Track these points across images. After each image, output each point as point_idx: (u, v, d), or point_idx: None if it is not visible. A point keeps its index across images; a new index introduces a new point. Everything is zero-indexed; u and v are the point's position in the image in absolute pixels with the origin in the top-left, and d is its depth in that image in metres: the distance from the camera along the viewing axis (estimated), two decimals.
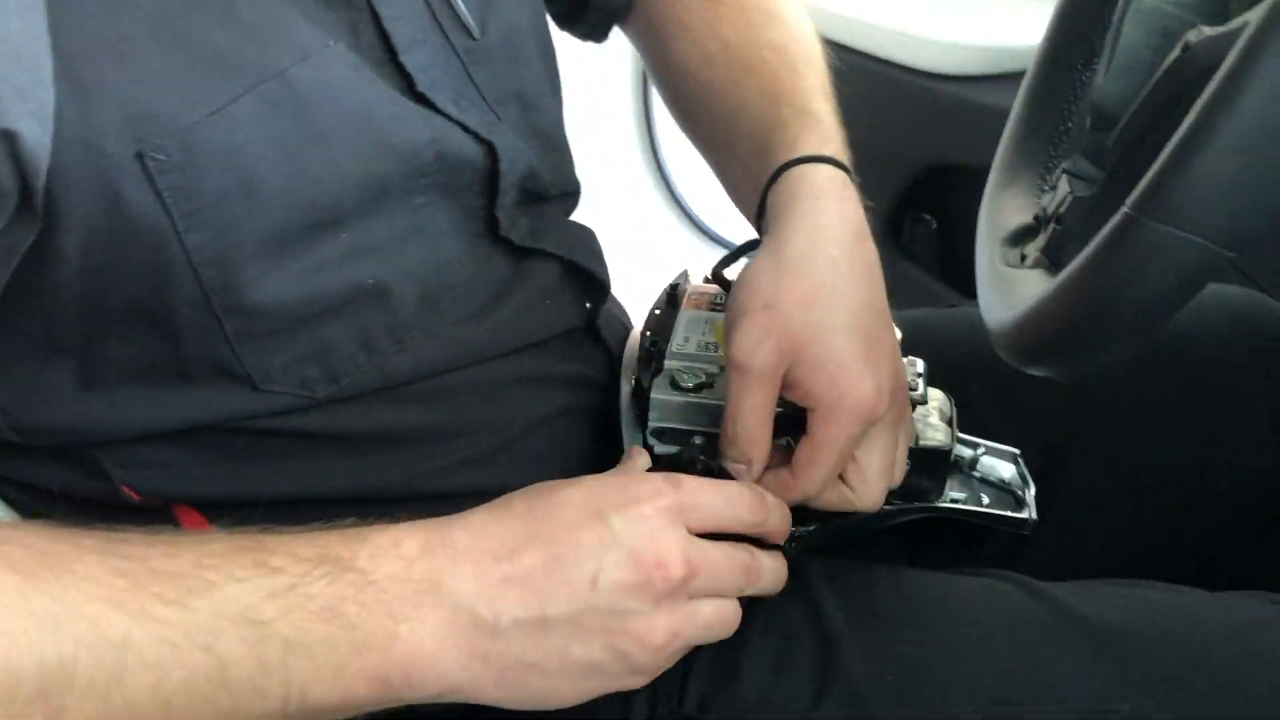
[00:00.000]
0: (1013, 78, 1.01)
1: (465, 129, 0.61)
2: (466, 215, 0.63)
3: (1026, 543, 0.75)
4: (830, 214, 0.63)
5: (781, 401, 0.61)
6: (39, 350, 0.54)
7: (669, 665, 0.54)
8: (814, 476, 0.59)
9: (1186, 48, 0.53)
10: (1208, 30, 0.52)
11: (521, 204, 0.65)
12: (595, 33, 0.82)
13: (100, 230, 0.50)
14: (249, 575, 0.47)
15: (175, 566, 0.46)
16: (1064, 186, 0.64)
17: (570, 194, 0.70)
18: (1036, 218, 0.67)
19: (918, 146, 1.38)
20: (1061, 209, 0.62)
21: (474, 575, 0.50)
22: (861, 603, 0.61)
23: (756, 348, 0.58)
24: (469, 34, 0.63)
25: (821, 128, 0.67)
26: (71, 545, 0.45)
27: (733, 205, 0.75)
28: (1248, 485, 0.74)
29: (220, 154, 0.51)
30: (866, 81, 1.38)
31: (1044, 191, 0.69)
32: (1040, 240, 0.64)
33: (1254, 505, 0.75)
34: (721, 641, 0.59)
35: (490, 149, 0.62)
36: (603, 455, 0.68)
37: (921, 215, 1.44)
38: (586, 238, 0.71)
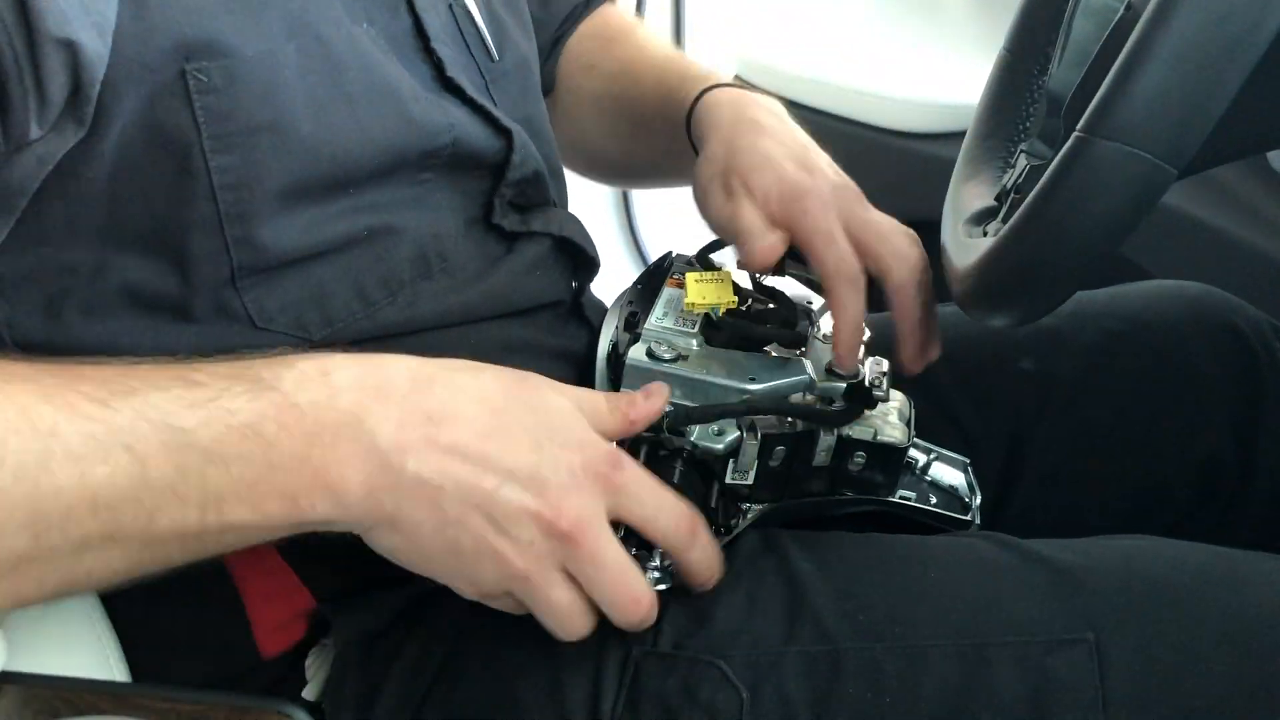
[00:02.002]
0: None
1: (487, 116, 0.65)
2: (465, 198, 0.66)
3: (995, 524, 0.76)
4: (757, 105, 0.73)
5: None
6: (53, 271, 0.55)
7: (487, 602, 0.55)
8: (836, 250, 0.68)
9: (1129, 6, 0.57)
10: None
11: (517, 203, 0.69)
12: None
13: (134, 138, 0.52)
14: (171, 385, 0.48)
15: (102, 374, 0.48)
16: (1022, 162, 0.67)
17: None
18: (998, 197, 0.70)
19: (884, 204, 1.42)
20: (1020, 180, 0.66)
21: (398, 424, 0.51)
22: (829, 555, 0.62)
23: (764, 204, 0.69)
24: (489, 55, 0.68)
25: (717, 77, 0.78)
26: (4, 356, 0.48)
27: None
28: (1204, 462, 0.76)
29: (260, 89, 0.54)
30: (833, 142, 1.44)
31: (1004, 174, 0.72)
32: (1002, 213, 0.67)
33: (1211, 482, 0.77)
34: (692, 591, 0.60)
35: (508, 139, 0.66)
36: None
37: None
38: (575, 221, 0.74)
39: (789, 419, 0.64)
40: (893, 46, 1.49)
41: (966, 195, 0.73)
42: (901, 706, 0.55)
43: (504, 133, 0.66)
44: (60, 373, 0.47)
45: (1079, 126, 0.50)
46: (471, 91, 0.65)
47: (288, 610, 0.66)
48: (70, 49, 0.48)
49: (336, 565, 0.63)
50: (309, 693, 0.66)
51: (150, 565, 0.49)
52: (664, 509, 0.56)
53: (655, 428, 0.61)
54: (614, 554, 0.54)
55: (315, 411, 0.50)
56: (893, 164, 1.38)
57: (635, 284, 0.73)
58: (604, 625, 0.60)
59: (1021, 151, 0.68)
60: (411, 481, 0.51)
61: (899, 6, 1.51)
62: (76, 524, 0.46)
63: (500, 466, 0.52)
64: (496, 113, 0.66)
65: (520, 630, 0.61)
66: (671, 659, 0.58)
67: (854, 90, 1.41)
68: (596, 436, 0.57)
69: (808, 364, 0.66)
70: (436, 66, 0.63)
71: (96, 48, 0.49)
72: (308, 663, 0.67)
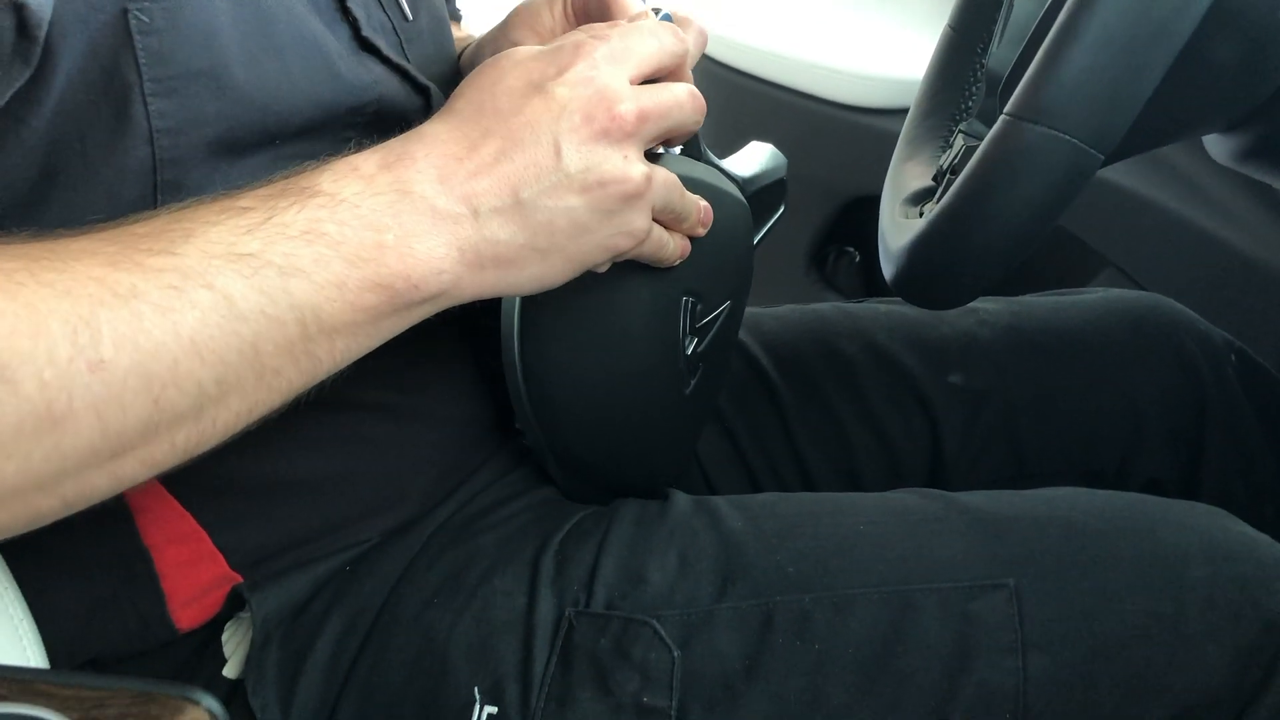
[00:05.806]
0: None
1: (405, 76, 0.64)
2: None
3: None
4: None
5: None
6: None
7: (647, 219, 0.56)
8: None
9: None
10: None
11: None
12: None
13: (77, 82, 0.51)
14: (221, 218, 0.48)
15: (152, 227, 0.47)
16: (960, 142, 0.66)
17: None
18: (935, 177, 0.69)
19: (841, 179, 1.42)
20: (956, 160, 0.65)
21: (439, 178, 0.52)
22: (761, 512, 0.63)
23: None
24: (404, 15, 0.67)
25: None
26: (53, 236, 0.47)
27: None
28: (1145, 485, 0.78)
29: (199, 34, 0.53)
30: (790, 116, 1.43)
31: (943, 154, 0.71)
32: (938, 194, 0.67)
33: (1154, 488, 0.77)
34: (625, 550, 0.61)
35: (426, 96, 0.65)
36: None
37: (845, 248, 1.47)
38: None
39: None
40: (845, 19, 1.48)
41: (906, 175, 0.73)
42: (831, 653, 0.56)
43: (422, 90, 0.65)
44: (115, 238, 0.46)
45: (1005, 109, 0.49)
46: (388, 51, 0.64)
47: (203, 578, 0.65)
48: (15, 10, 0.47)
49: (251, 531, 0.63)
50: (230, 670, 0.65)
51: (272, 397, 0.49)
52: (652, 29, 0.57)
53: None
54: (668, 95, 0.56)
55: (364, 201, 0.50)
56: (845, 139, 1.37)
57: None
58: (534, 583, 0.60)
59: (960, 131, 0.68)
60: (491, 216, 0.52)
61: None
62: (188, 375, 0.45)
63: (542, 137, 0.53)
64: (414, 72, 0.65)
65: (447, 596, 0.61)
66: (604, 619, 0.58)
67: (806, 63, 1.39)
68: (553, 44, 0.57)
69: None
70: (353, 26, 0.63)
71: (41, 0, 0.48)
72: (224, 638, 0.66)
